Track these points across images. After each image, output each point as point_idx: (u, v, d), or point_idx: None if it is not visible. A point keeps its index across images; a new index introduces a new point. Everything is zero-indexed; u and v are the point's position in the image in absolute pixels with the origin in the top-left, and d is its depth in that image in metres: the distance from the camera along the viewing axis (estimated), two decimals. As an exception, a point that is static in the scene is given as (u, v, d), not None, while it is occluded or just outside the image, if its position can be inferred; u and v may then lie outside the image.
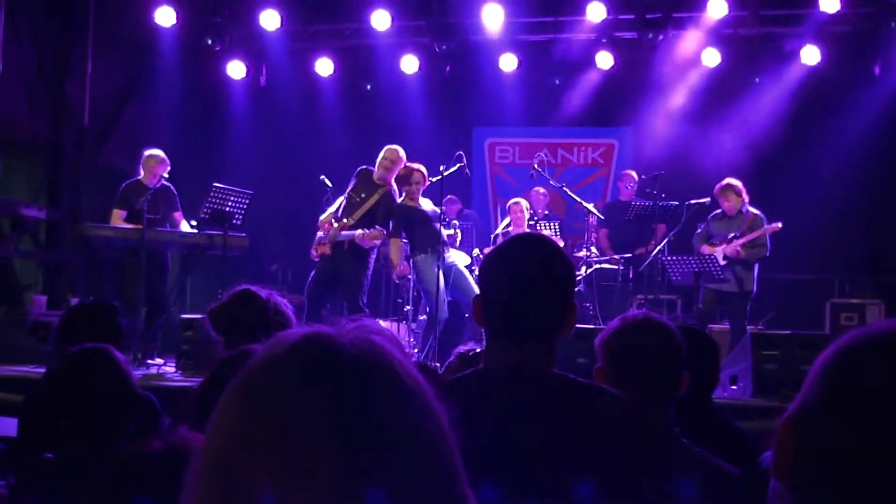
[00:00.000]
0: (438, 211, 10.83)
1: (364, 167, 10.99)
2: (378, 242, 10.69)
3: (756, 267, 11.32)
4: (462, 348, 4.30)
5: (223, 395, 1.25)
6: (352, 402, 1.20)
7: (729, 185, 11.40)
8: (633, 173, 13.87)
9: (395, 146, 10.90)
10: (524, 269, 2.73)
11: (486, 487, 2.40)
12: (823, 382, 1.35)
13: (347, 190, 10.93)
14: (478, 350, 4.17)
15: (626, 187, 13.74)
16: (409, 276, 11.43)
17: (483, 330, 2.83)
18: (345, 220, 10.61)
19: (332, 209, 10.94)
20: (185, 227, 11.41)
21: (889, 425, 1.27)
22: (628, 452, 2.49)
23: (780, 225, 11.22)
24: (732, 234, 11.25)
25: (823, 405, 1.34)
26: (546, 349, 2.70)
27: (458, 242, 11.40)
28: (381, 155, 10.84)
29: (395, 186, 10.85)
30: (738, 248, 11.16)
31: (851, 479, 1.28)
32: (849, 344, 1.36)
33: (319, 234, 10.79)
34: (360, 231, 10.34)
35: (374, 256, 10.81)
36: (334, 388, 1.21)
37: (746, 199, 11.42)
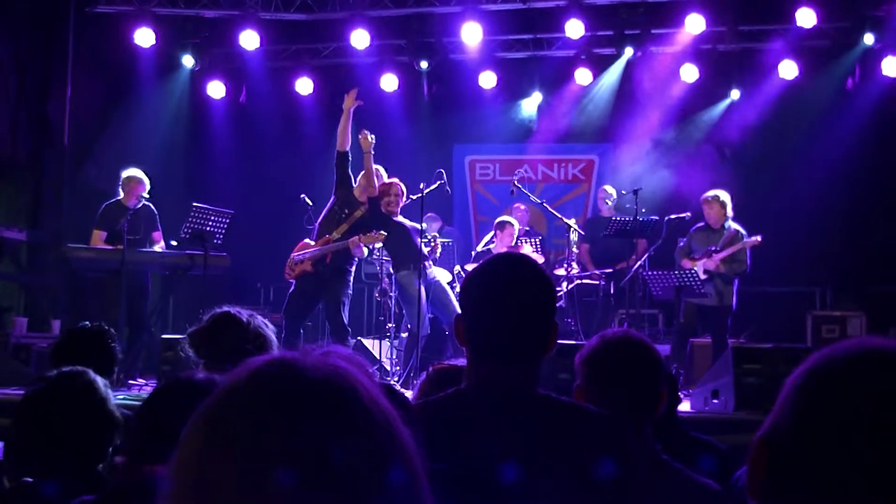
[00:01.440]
0: (419, 227, 10.84)
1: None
2: (366, 252, 10.72)
3: (736, 281, 11.36)
4: (440, 365, 4.29)
5: (189, 422, 1.27)
6: (313, 427, 1.21)
7: (715, 196, 11.45)
8: (610, 188, 13.93)
9: (376, 165, 10.92)
10: (505, 289, 2.73)
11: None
12: (794, 403, 1.36)
13: (329, 204, 10.92)
14: (452, 364, 4.15)
15: (605, 202, 13.80)
16: (392, 294, 11.43)
17: (464, 349, 2.82)
18: (328, 236, 10.60)
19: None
20: (160, 246, 11.38)
21: (859, 445, 1.27)
22: (611, 471, 2.49)
23: (759, 238, 11.25)
24: (713, 249, 11.29)
25: (794, 426, 1.34)
26: (528, 368, 2.70)
27: (437, 254, 11.36)
28: (362, 173, 10.86)
29: (372, 203, 10.86)
30: (718, 263, 11.21)
31: (823, 499, 1.29)
32: (818, 364, 1.37)
33: (295, 254, 10.77)
34: (354, 238, 10.34)
35: (353, 274, 10.81)
36: (295, 412, 1.22)
37: (731, 213, 11.47)
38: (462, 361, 4.22)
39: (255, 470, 1.18)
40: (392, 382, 10.48)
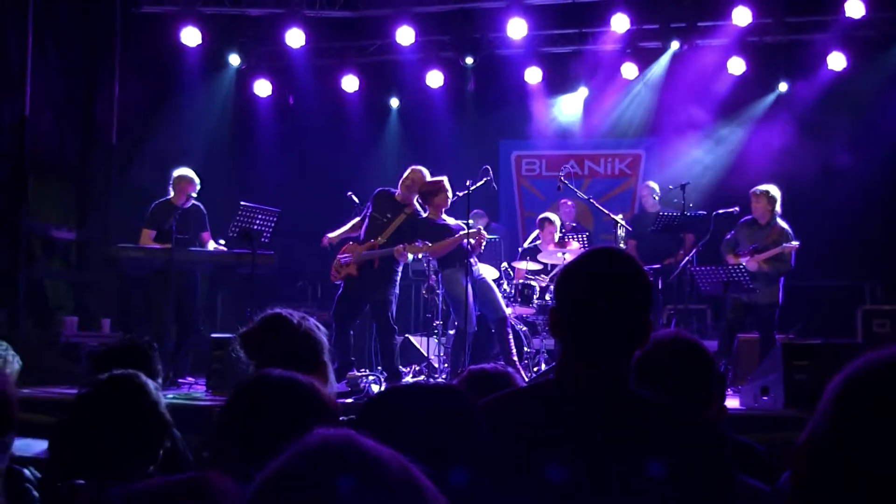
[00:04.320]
0: (464, 225, 10.81)
1: (382, 189, 11.04)
2: (411, 258, 10.74)
3: (781, 279, 11.27)
4: (474, 367, 4.28)
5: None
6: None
7: (765, 191, 11.34)
8: (653, 184, 13.86)
9: (419, 167, 10.94)
10: (602, 284, 2.72)
11: (557, 498, 2.44)
12: (832, 409, 1.35)
13: (368, 212, 10.96)
14: (485, 369, 4.14)
15: (650, 197, 13.74)
16: (438, 291, 11.43)
17: (557, 341, 2.83)
18: (373, 241, 10.63)
19: (343, 229, 11.01)
20: (212, 246, 11.45)
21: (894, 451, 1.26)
22: (698, 471, 2.50)
23: (797, 244, 11.13)
24: (754, 246, 11.21)
25: (832, 431, 1.34)
26: (621, 364, 2.70)
27: (482, 248, 11.22)
28: (405, 175, 10.89)
29: (417, 206, 10.88)
30: (760, 263, 11.11)
31: None
32: (856, 371, 1.36)
33: (340, 256, 10.81)
34: (399, 247, 10.36)
35: (399, 274, 10.82)
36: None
37: (779, 210, 11.35)
38: (492, 364, 4.23)
39: None
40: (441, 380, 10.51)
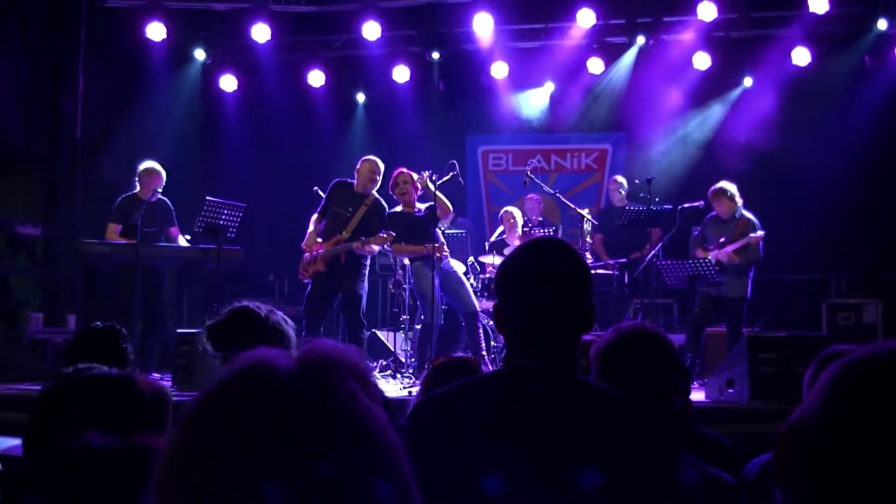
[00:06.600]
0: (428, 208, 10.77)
1: (340, 180, 10.96)
2: (377, 249, 10.69)
3: (751, 271, 11.32)
4: (442, 357, 4.29)
5: (177, 425, 1.29)
6: (281, 428, 1.23)
7: (722, 189, 11.37)
8: (621, 178, 13.89)
9: (369, 157, 10.90)
10: (542, 272, 2.73)
11: (506, 490, 2.44)
12: (825, 392, 1.36)
13: (326, 206, 10.87)
14: (452, 357, 4.15)
15: (617, 192, 13.76)
16: (406, 286, 11.42)
17: (503, 336, 2.84)
18: (339, 235, 10.58)
19: (311, 230, 10.89)
20: (182, 241, 11.38)
21: (885, 437, 1.28)
22: (650, 459, 2.51)
23: (762, 234, 11.17)
24: (722, 240, 11.25)
25: (823, 414, 1.35)
26: (567, 351, 2.70)
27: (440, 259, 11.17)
28: (357, 168, 10.84)
29: (377, 196, 10.83)
30: (730, 254, 11.15)
31: (849, 489, 1.29)
32: (855, 357, 1.37)
33: (306, 255, 10.75)
34: (360, 239, 10.31)
35: (368, 268, 10.79)
36: (264, 413, 1.23)
37: (740, 202, 11.40)
38: (460, 354, 4.25)
39: (233, 473, 1.19)
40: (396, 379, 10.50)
